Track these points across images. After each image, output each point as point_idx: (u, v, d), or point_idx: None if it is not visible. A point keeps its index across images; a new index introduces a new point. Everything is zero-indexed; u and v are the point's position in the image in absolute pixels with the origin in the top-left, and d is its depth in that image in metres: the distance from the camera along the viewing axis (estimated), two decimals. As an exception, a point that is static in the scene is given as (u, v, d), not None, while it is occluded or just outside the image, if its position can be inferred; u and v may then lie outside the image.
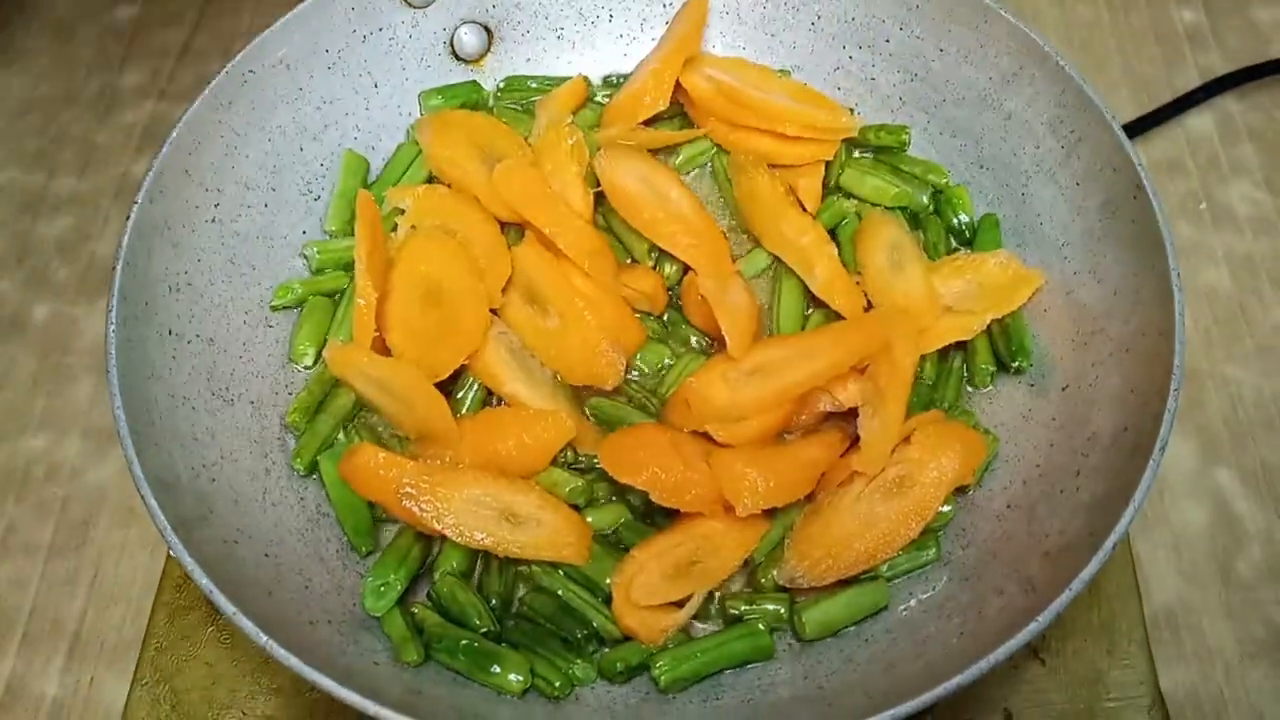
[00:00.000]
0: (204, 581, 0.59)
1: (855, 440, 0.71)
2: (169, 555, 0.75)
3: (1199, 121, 1.03)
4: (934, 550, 0.69)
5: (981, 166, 0.81)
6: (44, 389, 0.91)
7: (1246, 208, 0.98)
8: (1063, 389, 0.72)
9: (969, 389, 0.76)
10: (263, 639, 0.58)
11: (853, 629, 0.68)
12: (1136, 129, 1.00)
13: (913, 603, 0.68)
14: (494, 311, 0.75)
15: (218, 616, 0.72)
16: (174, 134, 0.74)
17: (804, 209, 0.81)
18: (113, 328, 0.67)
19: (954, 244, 0.81)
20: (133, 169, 1.02)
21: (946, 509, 0.70)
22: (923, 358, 0.74)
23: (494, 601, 0.68)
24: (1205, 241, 0.96)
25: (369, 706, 0.56)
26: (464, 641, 0.65)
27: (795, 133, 0.80)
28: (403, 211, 0.79)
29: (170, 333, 0.72)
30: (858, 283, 0.77)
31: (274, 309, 0.78)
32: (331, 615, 0.66)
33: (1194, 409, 0.88)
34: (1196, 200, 0.98)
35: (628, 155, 0.80)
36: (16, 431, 0.89)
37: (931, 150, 0.83)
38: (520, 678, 0.64)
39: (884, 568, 0.69)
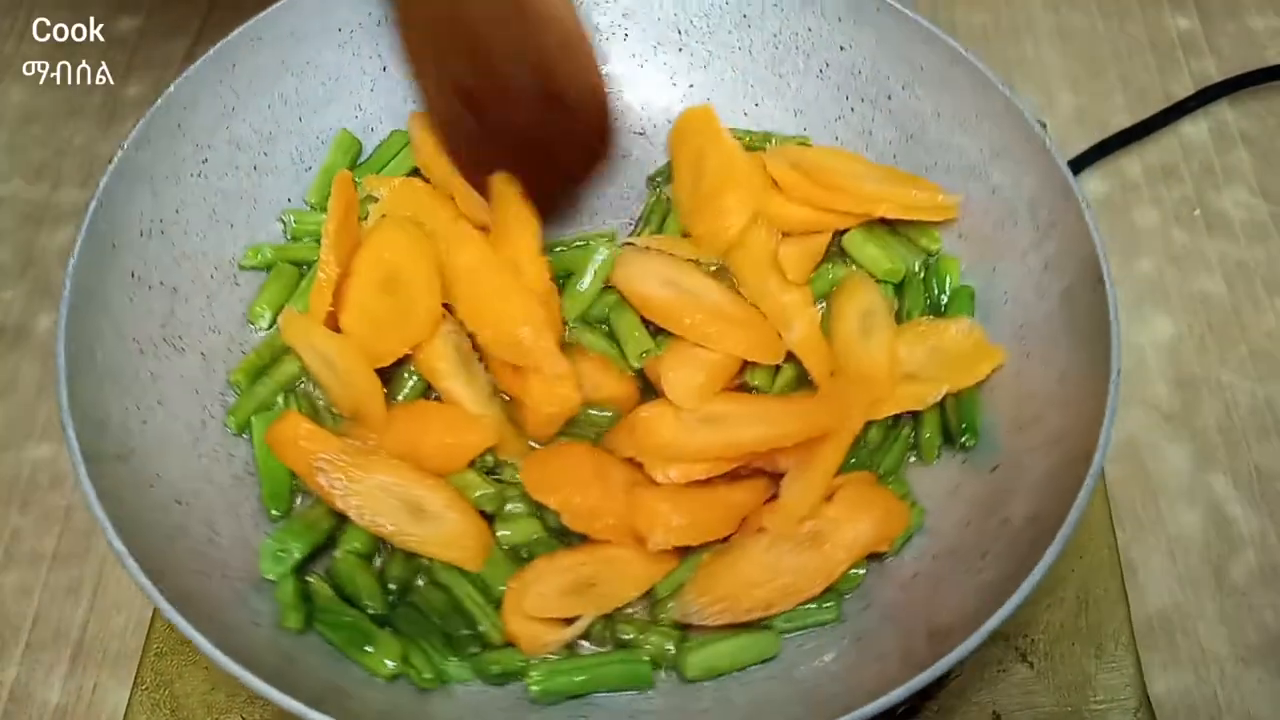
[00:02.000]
0: (100, 514, 0.61)
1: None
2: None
3: (1193, 128, 1.03)
4: (834, 611, 0.69)
5: (960, 236, 0.81)
6: (48, 399, 0.92)
7: (1240, 214, 0.98)
8: (992, 469, 0.71)
9: (911, 459, 0.75)
10: (143, 580, 0.59)
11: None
12: (1131, 136, 1.01)
13: (794, 651, 0.68)
14: (448, 308, 0.76)
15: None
16: (172, 88, 0.75)
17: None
18: (73, 261, 0.69)
19: (928, 312, 0.80)
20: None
21: (860, 571, 0.70)
22: (870, 422, 0.74)
23: (392, 586, 0.69)
24: (1200, 247, 0.97)
25: (229, 665, 0.57)
26: (345, 618, 0.66)
27: (894, 215, 0.80)
28: (376, 199, 0.81)
29: (133, 275, 0.73)
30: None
31: (243, 268, 0.79)
32: (228, 571, 0.67)
33: (1188, 414, 0.89)
34: (1191, 206, 0.99)
35: (642, 260, 0.80)
36: (21, 440, 0.90)
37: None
38: (392, 663, 0.65)
39: (781, 619, 0.68)
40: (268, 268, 0.80)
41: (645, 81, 0.90)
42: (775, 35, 0.87)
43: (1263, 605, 0.81)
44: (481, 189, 0.79)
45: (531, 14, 0.73)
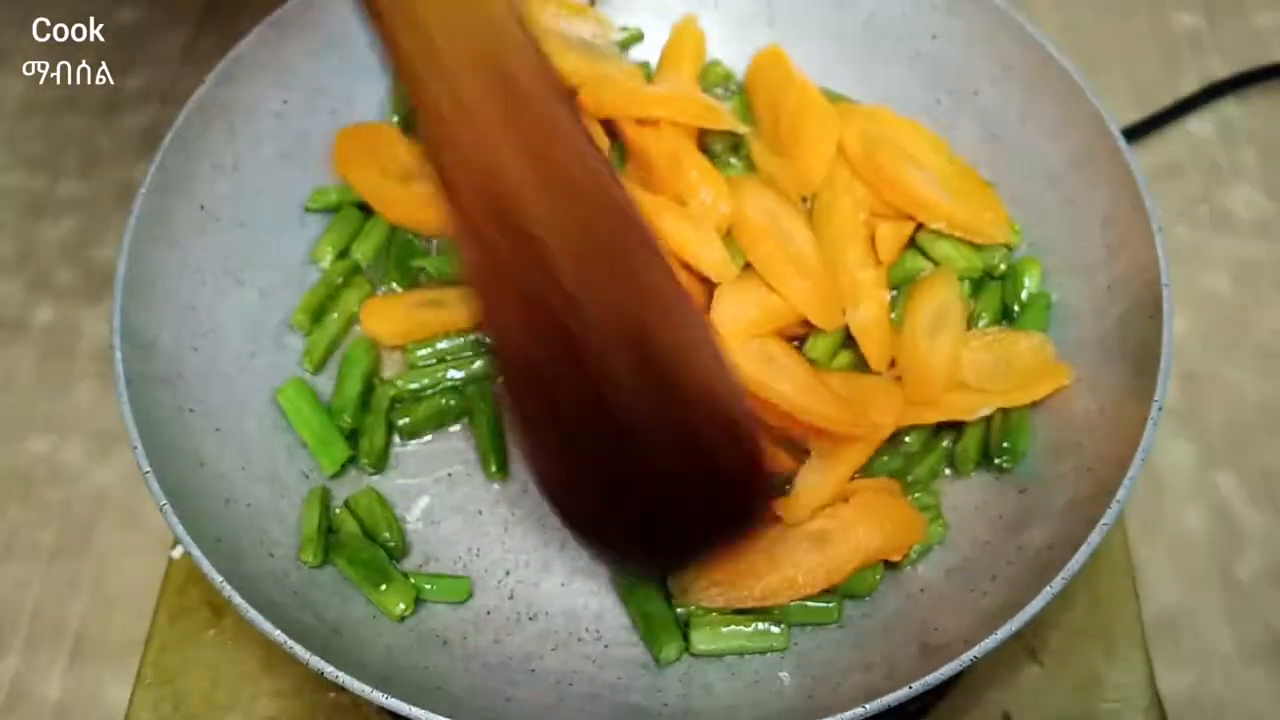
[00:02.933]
0: (133, 434, 0.63)
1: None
2: (171, 557, 0.75)
3: (1199, 125, 1.03)
4: (834, 613, 0.68)
5: (1030, 245, 0.79)
6: (46, 392, 0.91)
7: (1246, 211, 0.98)
8: (1020, 491, 0.70)
9: (946, 471, 0.74)
10: (162, 501, 0.61)
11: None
12: (1136, 133, 1.00)
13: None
14: None
15: (220, 619, 0.72)
16: (258, 29, 0.77)
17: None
18: (143, 190, 0.71)
19: (1002, 316, 0.78)
20: (135, 172, 1.02)
21: (876, 577, 0.69)
22: (913, 427, 0.73)
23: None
24: (1205, 245, 0.96)
25: (226, 589, 0.59)
26: (365, 553, 0.68)
27: (943, 229, 0.78)
28: None
29: (202, 208, 0.75)
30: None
31: (309, 211, 0.80)
32: (252, 501, 0.69)
33: (1194, 412, 0.88)
34: (1196, 203, 0.99)
35: (756, 188, 0.79)
36: (19, 434, 0.89)
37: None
38: (402, 605, 0.66)
39: (776, 611, 0.68)
40: (334, 209, 0.81)
41: (733, 55, 0.88)
42: (868, 18, 0.86)
43: (1268, 604, 0.80)
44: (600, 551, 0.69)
45: (680, 392, 0.58)
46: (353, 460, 0.73)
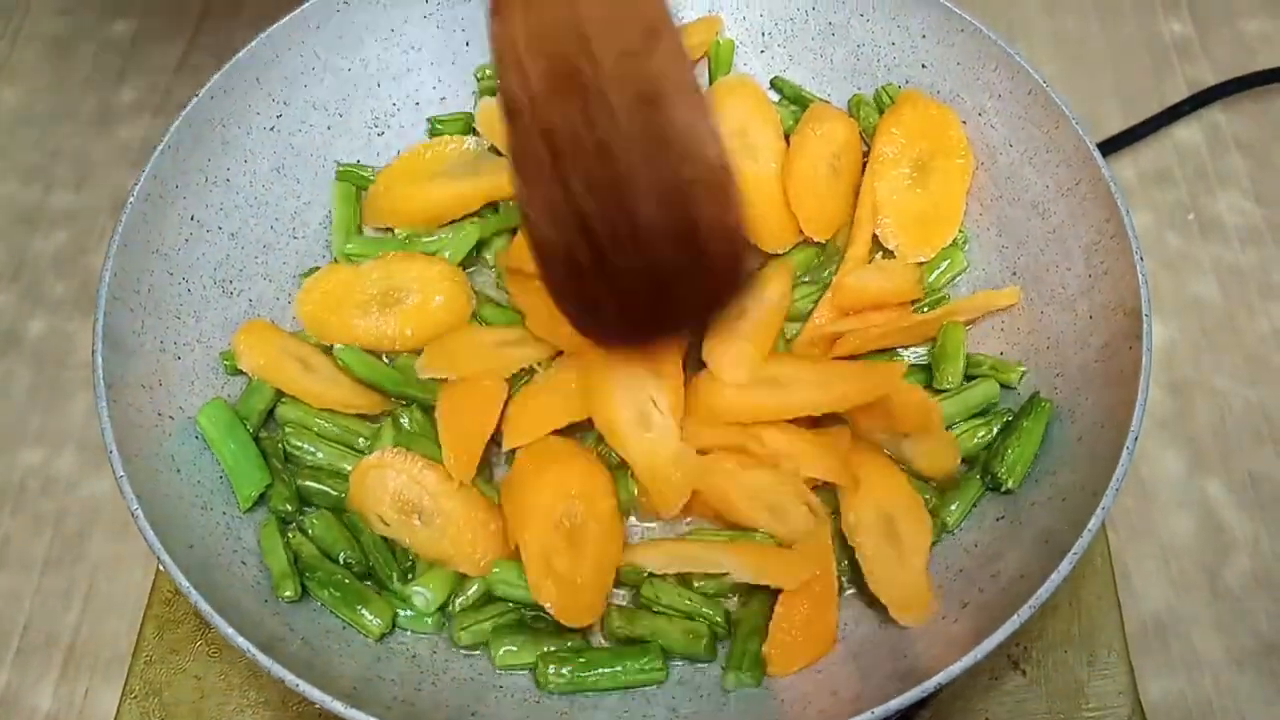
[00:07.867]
0: (109, 437, 0.64)
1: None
2: (159, 569, 0.76)
3: (1187, 132, 1.03)
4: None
5: (1014, 273, 0.79)
6: (39, 403, 0.92)
7: (1234, 218, 0.98)
8: (996, 519, 0.70)
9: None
10: (133, 506, 0.62)
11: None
12: (1125, 140, 1.01)
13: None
14: None
15: (207, 630, 0.72)
16: (255, 43, 0.78)
17: None
18: (132, 199, 0.72)
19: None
20: (128, 184, 1.02)
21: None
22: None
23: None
24: (1193, 252, 0.97)
25: (193, 595, 0.59)
26: (338, 576, 0.68)
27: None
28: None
29: (193, 218, 0.76)
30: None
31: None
32: (229, 507, 0.70)
33: (1182, 419, 0.88)
34: (1185, 210, 0.99)
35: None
36: (12, 445, 0.90)
37: (975, 246, 0.81)
38: (379, 622, 0.66)
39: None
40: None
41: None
42: (859, 47, 0.86)
43: (1256, 610, 0.81)
44: (586, 331, 0.70)
45: (676, 144, 0.61)
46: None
